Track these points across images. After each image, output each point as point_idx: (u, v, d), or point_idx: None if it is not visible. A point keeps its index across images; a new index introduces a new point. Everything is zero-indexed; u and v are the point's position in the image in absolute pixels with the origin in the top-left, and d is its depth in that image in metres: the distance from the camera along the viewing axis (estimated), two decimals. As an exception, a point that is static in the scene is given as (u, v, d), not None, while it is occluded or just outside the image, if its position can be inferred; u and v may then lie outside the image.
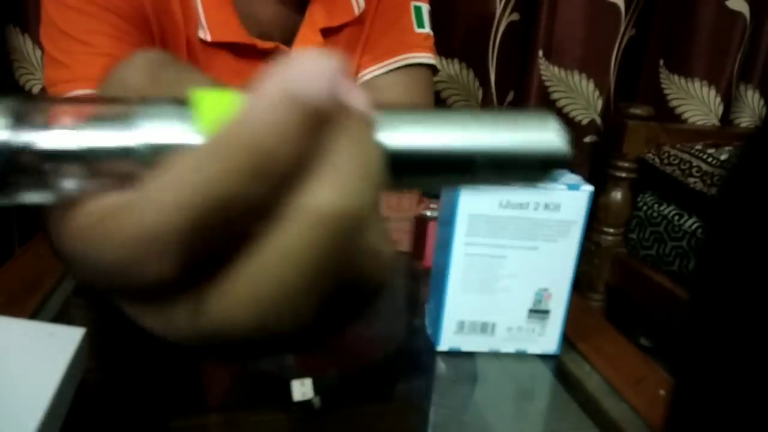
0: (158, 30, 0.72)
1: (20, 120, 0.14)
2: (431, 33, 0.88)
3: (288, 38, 0.79)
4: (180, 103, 0.15)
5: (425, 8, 0.87)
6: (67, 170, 0.15)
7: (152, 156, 0.15)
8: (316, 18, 0.79)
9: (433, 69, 0.89)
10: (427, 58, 0.86)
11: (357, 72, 0.86)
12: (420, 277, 0.72)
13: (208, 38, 0.74)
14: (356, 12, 0.82)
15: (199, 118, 0.15)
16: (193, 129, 0.15)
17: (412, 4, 0.86)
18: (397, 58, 0.84)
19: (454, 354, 0.58)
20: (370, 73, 0.85)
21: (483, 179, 0.17)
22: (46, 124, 0.14)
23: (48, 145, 0.14)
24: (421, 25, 0.86)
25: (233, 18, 0.75)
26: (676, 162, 1.26)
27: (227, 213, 0.13)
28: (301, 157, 0.14)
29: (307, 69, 0.14)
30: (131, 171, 0.15)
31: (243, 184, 0.13)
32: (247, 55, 0.76)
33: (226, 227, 0.14)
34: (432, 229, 0.73)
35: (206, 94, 0.16)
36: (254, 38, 0.76)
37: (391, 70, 0.84)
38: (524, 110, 0.17)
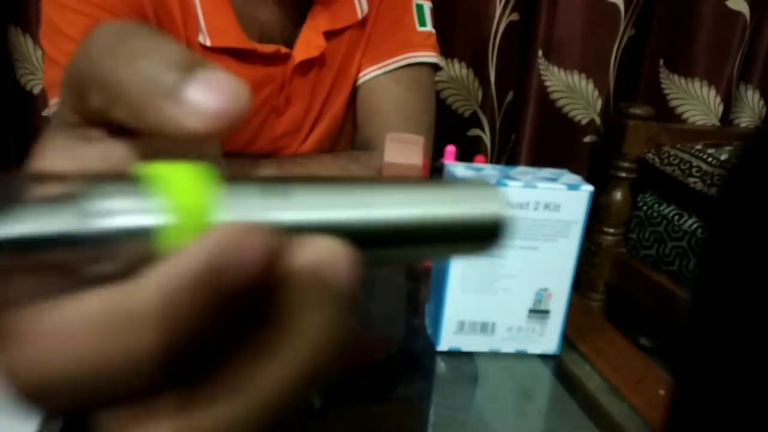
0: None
1: None
2: (433, 31, 0.87)
3: (289, 41, 0.79)
4: (130, 179, 0.14)
5: (427, 6, 0.87)
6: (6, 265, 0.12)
7: (105, 245, 0.13)
8: (318, 21, 0.79)
9: (435, 67, 0.88)
10: (429, 56, 0.86)
11: (358, 72, 0.86)
12: (420, 277, 0.72)
13: (208, 43, 0.73)
14: (359, 15, 0.82)
15: (158, 196, 0.13)
16: (155, 209, 0.13)
17: (414, 2, 0.86)
18: (398, 58, 0.84)
19: (454, 354, 0.58)
20: (371, 73, 0.85)
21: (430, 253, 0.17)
22: None
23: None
24: (423, 23, 0.86)
25: (233, 22, 0.74)
26: (676, 162, 1.26)
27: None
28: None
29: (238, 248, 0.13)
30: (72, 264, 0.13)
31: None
32: (248, 59, 0.76)
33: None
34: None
35: (161, 170, 0.14)
36: (254, 42, 0.76)
37: (392, 70, 0.84)
38: (463, 183, 0.17)
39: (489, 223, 0.17)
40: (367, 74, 0.85)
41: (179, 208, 0.13)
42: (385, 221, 0.16)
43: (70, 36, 0.67)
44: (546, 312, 0.57)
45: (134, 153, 0.17)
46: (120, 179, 0.14)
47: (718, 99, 1.45)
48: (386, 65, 0.84)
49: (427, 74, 0.87)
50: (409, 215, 0.16)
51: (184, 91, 0.14)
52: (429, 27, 0.87)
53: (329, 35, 0.80)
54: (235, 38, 0.74)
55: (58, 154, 0.16)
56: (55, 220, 0.12)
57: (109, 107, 0.15)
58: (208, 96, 0.14)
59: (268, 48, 0.76)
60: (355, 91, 0.87)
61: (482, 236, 0.17)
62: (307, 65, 0.80)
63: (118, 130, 0.16)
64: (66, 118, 0.17)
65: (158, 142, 0.17)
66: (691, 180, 1.21)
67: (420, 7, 0.86)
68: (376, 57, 0.85)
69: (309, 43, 0.78)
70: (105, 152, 0.16)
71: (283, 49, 0.77)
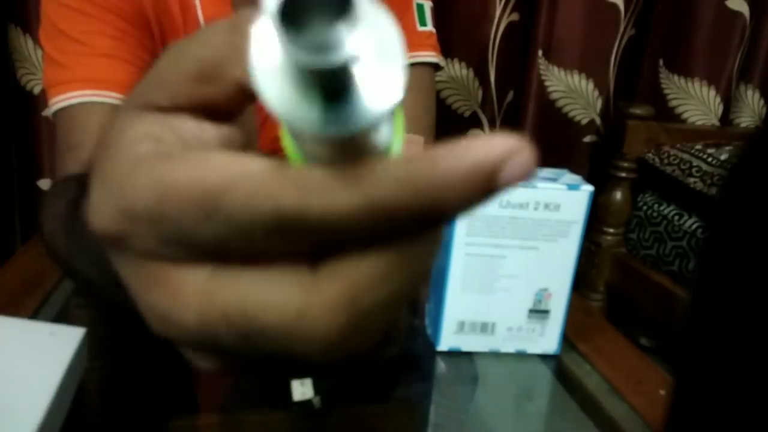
0: (158, 32, 0.72)
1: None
2: (434, 31, 0.87)
3: None
4: None
5: (428, 6, 0.87)
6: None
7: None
8: None
9: (435, 67, 0.88)
10: (430, 56, 0.86)
11: None
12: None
13: None
14: None
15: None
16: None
17: (415, 2, 0.86)
18: None
19: (454, 354, 0.58)
20: None
21: None
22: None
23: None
24: (423, 23, 0.86)
25: None
26: (676, 162, 1.26)
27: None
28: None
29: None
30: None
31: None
32: None
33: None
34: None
35: None
36: None
37: None
38: None
39: None
40: None
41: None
42: None
43: (71, 35, 0.67)
44: (546, 312, 0.57)
45: (218, 133, 0.19)
46: None
47: (718, 99, 1.45)
48: None
49: (428, 74, 0.87)
50: None
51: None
52: (429, 27, 0.87)
53: None
54: None
55: (152, 128, 0.18)
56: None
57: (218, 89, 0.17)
58: None
59: None
60: None
61: None
62: None
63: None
64: (154, 100, 0.18)
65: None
66: (691, 180, 1.21)
67: (420, 7, 0.86)
68: None
69: None
70: (201, 129, 0.18)
71: None
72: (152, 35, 0.71)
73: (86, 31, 0.67)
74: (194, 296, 0.17)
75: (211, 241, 0.16)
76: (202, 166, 0.16)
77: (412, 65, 0.84)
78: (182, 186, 0.15)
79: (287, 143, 0.17)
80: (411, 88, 0.92)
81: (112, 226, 0.17)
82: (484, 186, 0.15)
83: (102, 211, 0.17)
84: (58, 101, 0.65)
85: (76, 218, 0.40)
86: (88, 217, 0.18)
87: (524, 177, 0.15)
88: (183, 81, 0.18)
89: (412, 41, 0.85)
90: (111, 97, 0.65)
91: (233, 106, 0.19)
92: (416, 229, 0.15)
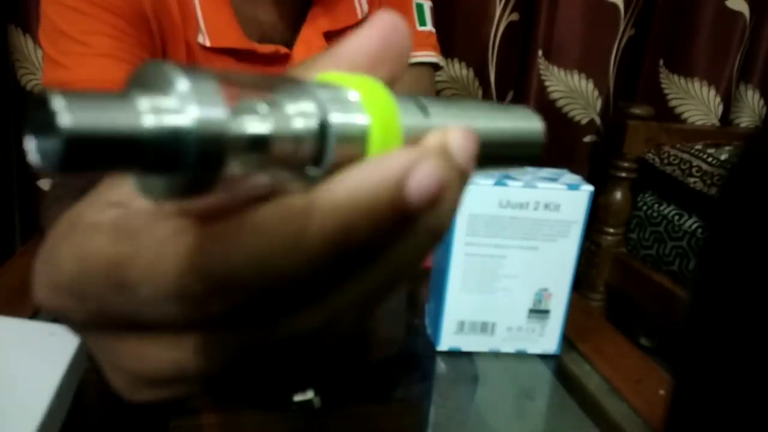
0: (158, 31, 0.72)
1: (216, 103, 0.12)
2: (433, 30, 0.87)
3: (289, 41, 0.79)
4: (329, 86, 0.15)
5: (427, 5, 0.87)
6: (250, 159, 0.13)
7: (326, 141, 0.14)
8: (318, 21, 0.79)
9: (435, 66, 0.88)
10: (430, 56, 0.86)
11: None
12: (420, 276, 0.72)
13: (207, 44, 0.73)
14: (360, 15, 0.82)
15: (361, 105, 0.14)
16: (364, 116, 0.14)
17: (414, 2, 0.86)
18: None
19: (454, 354, 0.58)
20: None
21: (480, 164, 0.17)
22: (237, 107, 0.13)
23: (252, 131, 0.13)
24: (423, 23, 0.86)
25: (232, 22, 0.74)
26: (676, 162, 1.26)
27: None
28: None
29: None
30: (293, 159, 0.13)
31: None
32: (247, 59, 0.76)
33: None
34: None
35: (349, 80, 0.15)
36: (254, 42, 0.75)
37: None
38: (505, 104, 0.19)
39: (536, 135, 0.20)
40: None
41: (379, 111, 0.14)
42: (487, 132, 0.18)
43: (71, 35, 0.67)
44: (546, 312, 0.57)
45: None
46: (323, 86, 0.14)
47: (718, 99, 1.45)
48: None
49: (428, 74, 0.87)
50: (504, 127, 0.19)
51: None
52: (429, 26, 0.87)
53: (329, 36, 0.80)
54: (235, 39, 0.74)
55: (116, 192, 0.17)
56: (294, 120, 0.13)
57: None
58: None
59: (267, 48, 0.76)
60: None
61: (532, 147, 0.20)
62: None
63: None
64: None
65: None
66: (691, 180, 1.21)
67: (420, 7, 0.86)
68: None
69: (309, 43, 0.78)
70: None
71: (283, 50, 0.77)
72: (152, 34, 0.71)
73: (86, 30, 0.67)
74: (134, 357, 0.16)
75: (128, 314, 0.15)
76: (114, 235, 0.15)
77: (412, 65, 0.84)
78: (93, 259, 0.15)
79: None
80: (412, 88, 0.92)
81: (47, 302, 0.16)
82: (393, 207, 0.14)
83: (38, 285, 0.17)
84: None
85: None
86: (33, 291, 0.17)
87: (434, 189, 0.14)
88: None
89: (412, 41, 0.85)
90: None
91: None
92: (340, 269, 0.14)
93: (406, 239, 0.15)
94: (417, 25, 0.85)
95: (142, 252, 0.14)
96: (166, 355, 0.16)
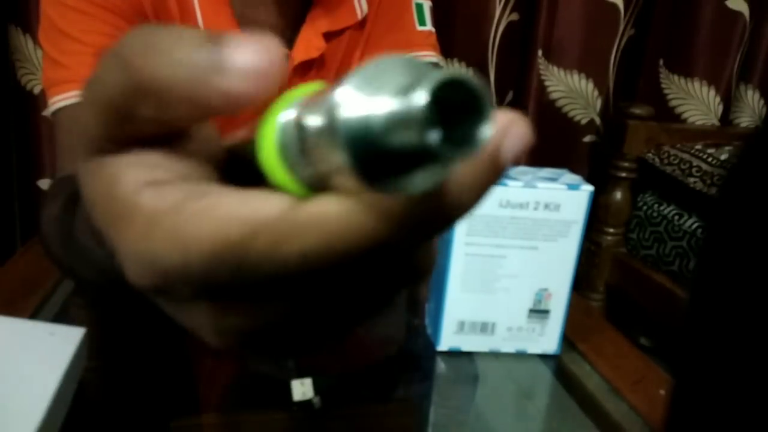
0: None
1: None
2: (433, 30, 0.87)
3: (289, 42, 0.79)
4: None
5: (427, 5, 0.87)
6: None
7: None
8: (317, 22, 0.79)
9: (435, 66, 0.88)
10: (429, 56, 0.86)
11: None
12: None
13: None
14: (359, 15, 0.82)
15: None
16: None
17: (414, 1, 0.86)
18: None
19: (454, 354, 0.58)
20: None
21: None
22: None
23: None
24: (422, 22, 0.86)
25: (232, 23, 0.75)
26: (676, 162, 1.26)
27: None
28: None
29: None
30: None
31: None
32: None
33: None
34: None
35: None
36: None
37: None
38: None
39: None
40: None
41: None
42: None
43: (70, 35, 0.67)
44: (546, 312, 0.57)
45: (185, 160, 0.18)
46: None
47: (718, 99, 1.45)
48: None
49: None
50: None
51: (226, 61, 0.15)
52: (429, 26, 0.87)
53: (329, 36, 0.80)
54: None
55: (138, 172, 0.17)
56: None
57: (160, 110, 0.16)
58: (248, 56, 0.15)
59: None
60: None
61: None
62: (307, 66, 0.80)
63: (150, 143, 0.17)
64: (97, 146, 0.17)
65: (191, 143, 0.18)
66: (691, 180, 1.21)
67: (420, 6, 0.86)
68: (376, 56, 0.85)
69: (308, 44, 0.78)
70: (173, 157, 0.17)
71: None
72: None
73: (85, 30, 0.67)
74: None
75: (242, 290, 0.16)
76: (217, 217, 0.15)
77: None
78: (205, 244, 0.15)
79: (276, 169, 0.16)
80: None
81: (149, 284, 0.17)
82: (494, 167, 0.15)
83: (136, 273, 0.17)
84: (58, 101, 0.65)
85: (70, 220, 0.40)
86: (126, 275, 0.18)
87: (523, 148, 0.15)
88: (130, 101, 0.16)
89: (412, 41, 0.85)
90: None
91: (185, 127, 0.18)
92: (435, 231, 0.16)
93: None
94: (417, 24, 0.85)
95: (262, 230, 0.15)
96: (201, 319, 0.18)
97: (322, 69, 0.82)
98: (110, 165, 0.17)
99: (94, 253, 0.29)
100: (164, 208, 0.16)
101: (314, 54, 0.79)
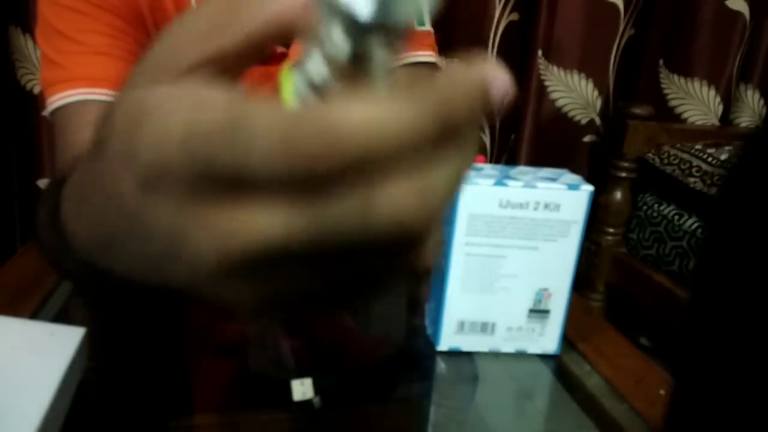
0: (153, 28, 0.72)
1: None
2: (432, 30, 0.88)
3: (289, 42, 0.79)
4: None
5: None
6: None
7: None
8: None
9: (434, 66, 0.89)
10: (428, 56, 0.86)
11: None
12: (420, 277, 0.72)
13: None
14: None
15: None
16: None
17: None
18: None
19: (454, 354, 0.58)
20: None
21: None
22: None
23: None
24: (421, 23, 0.87)
25: None
26: (676, 162, 1.26)
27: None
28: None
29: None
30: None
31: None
32: None
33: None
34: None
35: None
36: None
37: None
38: None
39: None
40: None
41: None
42: None
43: (67, 35, 0.67)
44: (546, 312, 0.57)
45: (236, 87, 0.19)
46: None
47: (718, 99, 1.45)
48: None
49: (427, 73, 0.88)
50: None
51: None
52: (427, 26, 0.87)
53: None
54: None
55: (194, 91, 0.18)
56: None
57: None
58: None
59: None
60: None
61: None
62: None
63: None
64: (173, 64, 0.20)
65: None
66: (691, 180, 1.21)
67: None
68: None
69: None
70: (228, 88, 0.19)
71: (280, 49, 0.78)
72: (148, 33, 0.72)
73: (82, 29, 0.67)
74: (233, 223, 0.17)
75: (235, 170, 0.16)
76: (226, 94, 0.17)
77: (412, 64, 0.85)
78: (209, 113, 0.16)
79: (289, 93, 0.19)
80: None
81: (155, 158, 0.17)
82: (485, 95, 0.18)
83: (146, 142, 0.18)
84: (56, 100, 0.65)
85: (56, 225, 0.39)
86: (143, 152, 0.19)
87: (506, 94, 0.19)
88: (199, 37, 0.20)
89: (411, 41, 0.85)
90: (108, 95, 0.66)
91: (241, 63, 0.21)
92: (461, 134, 0.18)
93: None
94: (416, 24, 0.86)
95: (257, 111, 0.16)
96: (256, 223, 0.17)
97: None
98: (162, 88, 0.19)
99: (81, 259, 0.29)
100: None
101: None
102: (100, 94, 0.65)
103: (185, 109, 0.17)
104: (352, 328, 0.64)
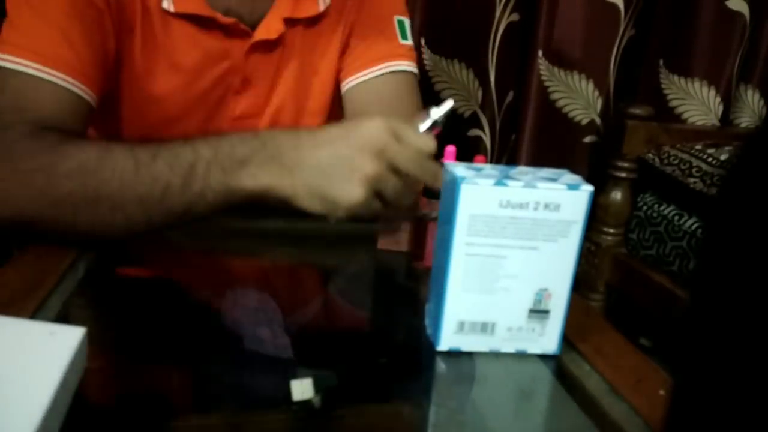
0: (117, 15, 0.75)
1: None
2: (413, 44, 0.95)
3: (256, 23, 0.83)
4: None
5: (407, 22, 0.96)
6: None
7: None
8: (281, 8, 0.85)
9: (412, 75, 0.94)
10: (411, 66, 0.92)
11: (335, 76, 0.92)
12: (420, 276, 0.72)
13: (171, 9, 0.78)
14: (321, 8, 0.89)
15: None
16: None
17: (395, 17, 0.92)
18: (385, 64, 0.90)
19: (454, 354, 0.58)
20: (356, 79, 0.90)
21: None
22: None
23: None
24: (404, 37, 0.95)
25: (202, 5, 0.79)
26: (676, 162, 1.26)
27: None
28: None
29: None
30: None
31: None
32: (208, 27, 0.80)
33: None
34: (432, 229, 0.73)
35: None
36: (217, 12, 0.80)
37: (379, 75, 0.90)
38: None
39: None
40: (355, 79, 0.90)
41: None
42: None
43: (29, 2, 0.70)
44: (546, 312, 0.57)
45: None
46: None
47: (718, 99, 1.45)
48: (373, 71, 0.90)
49: (412, 81, 0.94)
50: None
51: None
52: (410, 41, 0.94)
53: (289, 22, 0.85)
54: (198, 5, 0.79)
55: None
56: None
57: None
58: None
59: (228, 20, 0.82)
60: (336, 98, 0.94)
61: None
62: (265, 47, 0.85)
63: None
64: None
65: None
66: (691, 180, 1.21)
67: (401, 23, 0.96)
68: (362, 65, 0.91)
69: (269, 26, 0.85)
70: None
71: (243, 25, 0.81)
72: (111, 17, 0.75)
73: (46, 2, 0.70)
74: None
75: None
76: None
77: (397, 72, 0.91)
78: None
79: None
80: (399, 90, 1.05)
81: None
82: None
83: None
84: (7, 61, 0.69)
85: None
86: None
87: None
88: None
89: (396, 52, 0.93)
90: (58, 77, 0.70)
91: None
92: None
93: None
94: (400, 38, 0.93)
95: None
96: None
97: (284, 55, 0.88)
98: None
99: None
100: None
101: (273, 35, 0.85)
102: (52, 75, 0.69)
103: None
104: (352, 327, 0.65)
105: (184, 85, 0.81)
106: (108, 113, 0.82)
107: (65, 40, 0.71)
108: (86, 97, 0.74)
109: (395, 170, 0.61)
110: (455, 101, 1.36)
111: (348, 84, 0.91)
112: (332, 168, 0.61)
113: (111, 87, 0.79)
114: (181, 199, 0.64)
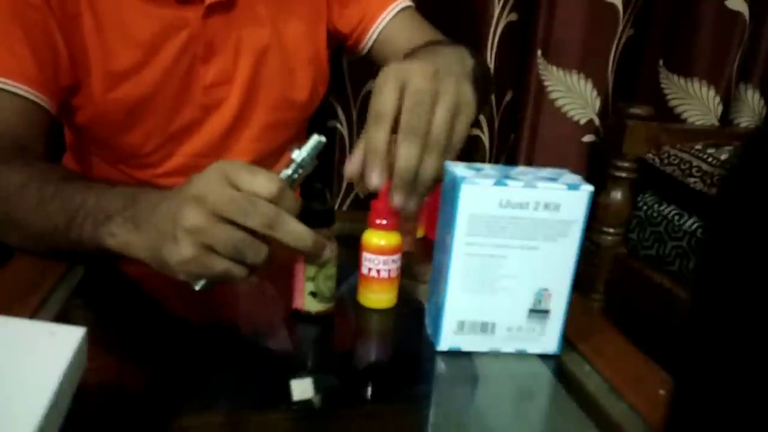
0: (61, 15, 0.75)
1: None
2: None
3: None
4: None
5: None
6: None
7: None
8: None
9: (411, 9, 0.99)
10: (407, 3, 0.98)
11: (314, 43, 0.94)
12: (420, 276, 0.72)
13: None
14: None
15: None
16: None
17: None
18: (393, 6, 0.96)
19: (454, 354, 0.58)
20: (377, 26, 0.95)
21: None
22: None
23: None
24: None
25: None
26: (676, 162, 1.26)
27: None
28: None
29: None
30: None
31: None
32: (159, 0, 0.80)
33: None
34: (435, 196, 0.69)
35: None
36: None
37: (393, 16, 0.95)
38: None
39: None
40: (376, 28, 0.95)
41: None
42: None
43: None
44: (546, 312, 0.57)
45: None
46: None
47: (718, 99, 1.45)
48: (387, 14, 0.95)
49: (411, 12, 0.98)
50: None
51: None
52: None
53: None
54: None
55: None
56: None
57: None
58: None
59: None
60: (316, 65, 0.96)
61: None
62: (222, 8, 0.84)
63: None
64: None
65: None
66: (691, 180, 1.21)
67: None
68: (375, 10, 0.95)
69: None
70: None
71: None
72: (53, 11, 0.75)
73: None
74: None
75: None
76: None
77: (405, 9, 0.96)
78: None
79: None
80: (416, 24, 1.00)
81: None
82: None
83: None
84: None
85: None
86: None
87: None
88: None
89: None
90: (3, 83, 0.72)
91: None
92: None
93: None
94: None
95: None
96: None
97: (243, 18, 0.87)
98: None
99: None
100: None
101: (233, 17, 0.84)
102: None
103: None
104: (350, 328, 0.65)
105: (145, 60, 0.80)
106: (87, 101, 0.81)
107: (5, 48, 0.72)
108: (37, 100, 0.74)
109: (223, 219, 0.51)
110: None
111: (370, 37, 0.95)
112: (162, 225, 0.54)
113: (75, 80, 0.79)
114: (66, 240, 0.63)
